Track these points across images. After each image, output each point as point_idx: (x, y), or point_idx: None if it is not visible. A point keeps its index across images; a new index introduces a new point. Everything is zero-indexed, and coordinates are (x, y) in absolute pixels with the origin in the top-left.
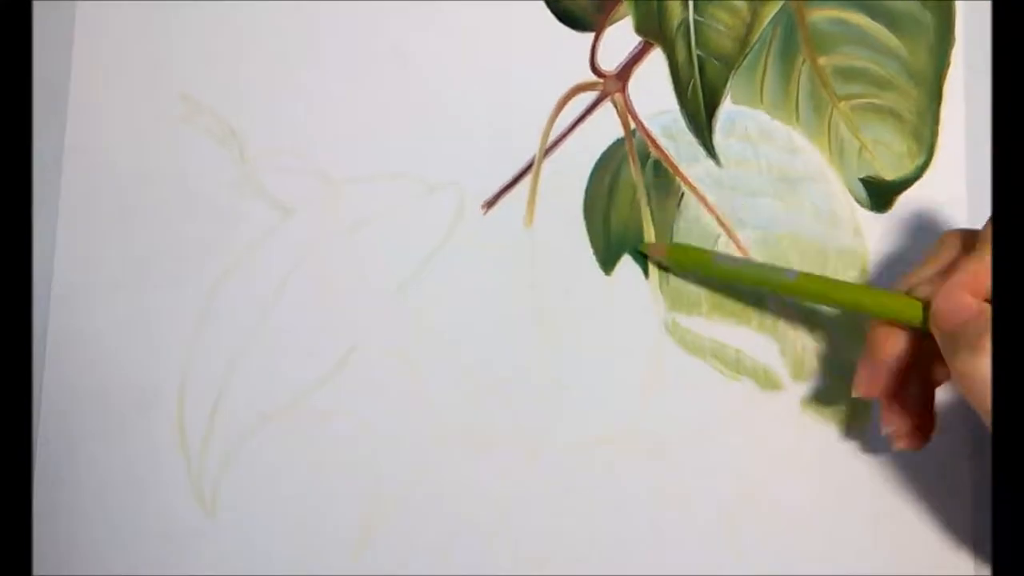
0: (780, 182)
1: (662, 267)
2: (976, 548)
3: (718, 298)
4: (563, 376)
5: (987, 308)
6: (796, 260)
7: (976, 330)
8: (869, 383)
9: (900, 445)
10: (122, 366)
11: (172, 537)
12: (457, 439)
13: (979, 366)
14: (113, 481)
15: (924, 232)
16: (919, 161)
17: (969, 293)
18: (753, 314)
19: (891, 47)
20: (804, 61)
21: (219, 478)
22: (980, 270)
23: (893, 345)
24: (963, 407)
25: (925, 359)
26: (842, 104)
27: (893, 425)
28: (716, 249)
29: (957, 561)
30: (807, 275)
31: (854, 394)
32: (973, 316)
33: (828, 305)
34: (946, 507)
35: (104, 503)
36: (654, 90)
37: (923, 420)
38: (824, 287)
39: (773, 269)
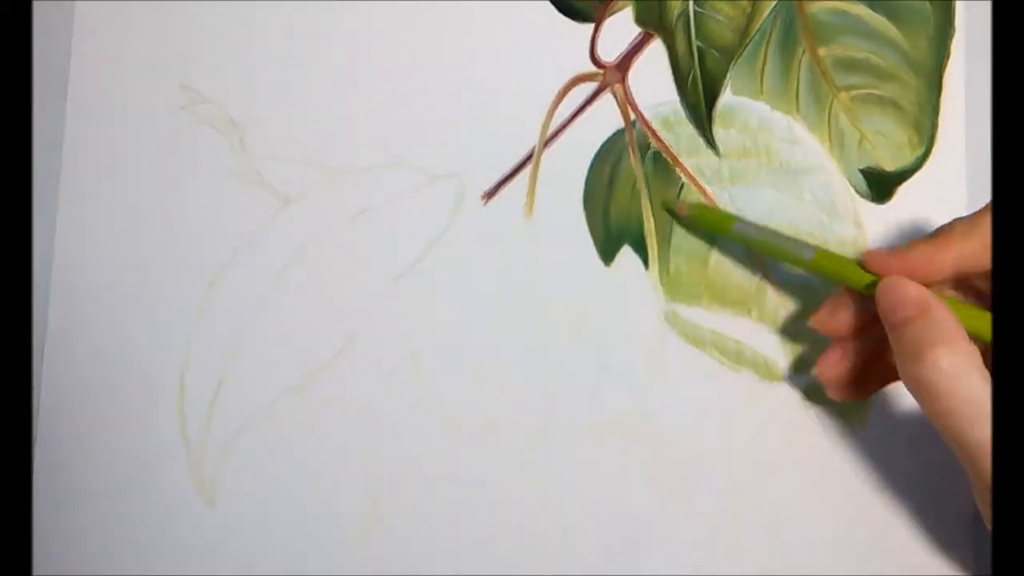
0: (780, 173)
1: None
2: (976, 541)
3: (718, 289)
4: (562, 367)
5: (934, 307)
6: None
7: (919, 334)
8: (826, 322)
9: (831, 393)
10: (122, 354)
11: (172, 525)
12: (457, 429)
13: (923, 374)
14: (113, 470)
15: (924, 223)
16: (919, 152)
17: (920, 279)
18: (753, 305)
19: (891, 37)
20: (804, 52)
21: (219, 466)
22: (935, 255)
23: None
24: None
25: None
26: (842, 95)
27: (827, 370)
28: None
29: (957, 547)
30: (824, 252)
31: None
32: (916, 314)
33: (842, 284)
34: (946, 497)
35: (104, 492)
36: (654, 81)
37: (865, 379)
38: (839, 266)
39: (792, 243)
